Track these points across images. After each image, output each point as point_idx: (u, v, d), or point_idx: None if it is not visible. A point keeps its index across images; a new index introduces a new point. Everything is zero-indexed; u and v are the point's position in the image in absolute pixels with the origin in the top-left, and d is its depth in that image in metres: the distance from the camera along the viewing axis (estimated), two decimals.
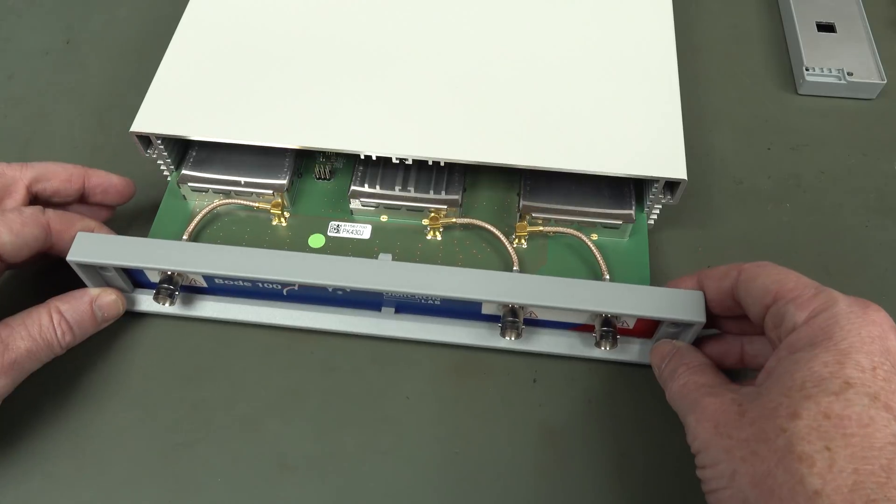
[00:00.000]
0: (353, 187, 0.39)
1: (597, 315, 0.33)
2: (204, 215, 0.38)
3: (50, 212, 0.34)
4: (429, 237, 0.38)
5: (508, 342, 0.34)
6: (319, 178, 0.40)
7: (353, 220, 0.39)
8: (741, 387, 0.28)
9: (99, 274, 0.35)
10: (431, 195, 0.38)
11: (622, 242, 0.38)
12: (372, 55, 0.40)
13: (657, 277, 0.38)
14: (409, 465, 0.33)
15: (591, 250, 0.37)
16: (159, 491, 0.33)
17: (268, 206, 0.38)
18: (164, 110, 0.37)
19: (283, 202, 0.38)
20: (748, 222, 0.41)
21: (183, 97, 0.38)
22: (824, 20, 0.49)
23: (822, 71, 0.46)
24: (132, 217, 0.41)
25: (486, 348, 0.36)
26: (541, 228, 0.38)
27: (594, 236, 0.38)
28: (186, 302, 0.37)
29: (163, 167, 0.40)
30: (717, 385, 0.29)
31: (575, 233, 0.37)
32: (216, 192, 0.39)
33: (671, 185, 0.37)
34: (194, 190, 0.39)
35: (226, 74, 0.39)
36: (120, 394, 0.35)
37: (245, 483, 0.33)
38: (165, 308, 0.35)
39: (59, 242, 0.34)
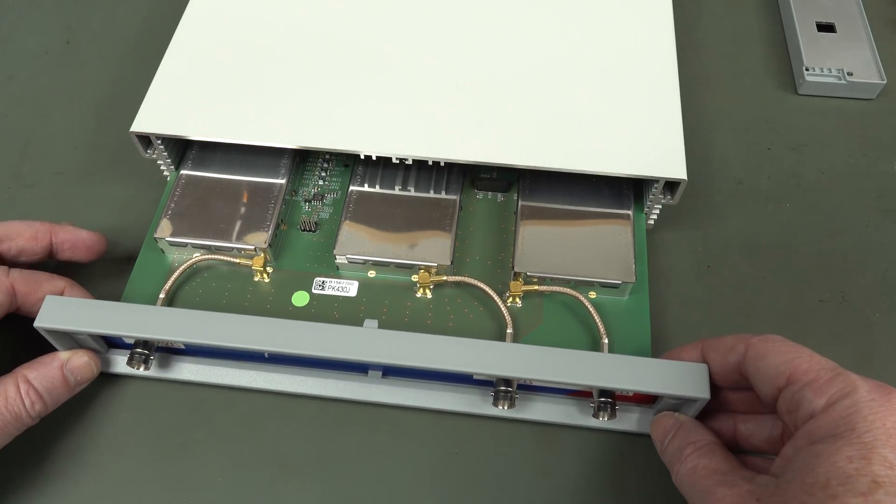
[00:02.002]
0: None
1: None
2: (182, 271, 0.36)
3: (14, 273, 0.32)
4: (418, 295, 0.36)
5: (501, 411, 0.33)
6: (304, 230, 0.39)
7: (339, 276, 0.37)
8: (755, 474, 0.26)
9: (70, 336, 0.33)
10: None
11: (622, 301, 0.36)
12: (371, 55, 0.40)
13: (657, 279, 0.39)
14: (409, 465, 0.33)
15: (589, 311, 0.35)
16: (159, 491, 0.33)
17: (249, 263, 0.36)
18: (163, 110, 0.37)
19: (265, 257, 0.36)
20: (748, 222, 0.41)
21: (183, 97, 0.38)
22: (824, 20, 0.49)
23: (822, 71, 0.46)
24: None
25: (478, 415, 0.34)
26: (536, 287, 0.36)
27: (592, 294, 0.36)
28: (163, 363, 0.35)
29: (162, 167, 0.40)
30: (729, 472, 0.27)
31: (572, 292, 0.35)
32: (195, 246, 0.37)
33: (671, 186, 0.37)
34: (172, 244, 0.37)
35: (226, 74, 0.39)
36: (119, 398, 0.35)
37: (245, 483, 0.33)
38: (140, 371, 0.34)
39: (26, 304, 0.33)
